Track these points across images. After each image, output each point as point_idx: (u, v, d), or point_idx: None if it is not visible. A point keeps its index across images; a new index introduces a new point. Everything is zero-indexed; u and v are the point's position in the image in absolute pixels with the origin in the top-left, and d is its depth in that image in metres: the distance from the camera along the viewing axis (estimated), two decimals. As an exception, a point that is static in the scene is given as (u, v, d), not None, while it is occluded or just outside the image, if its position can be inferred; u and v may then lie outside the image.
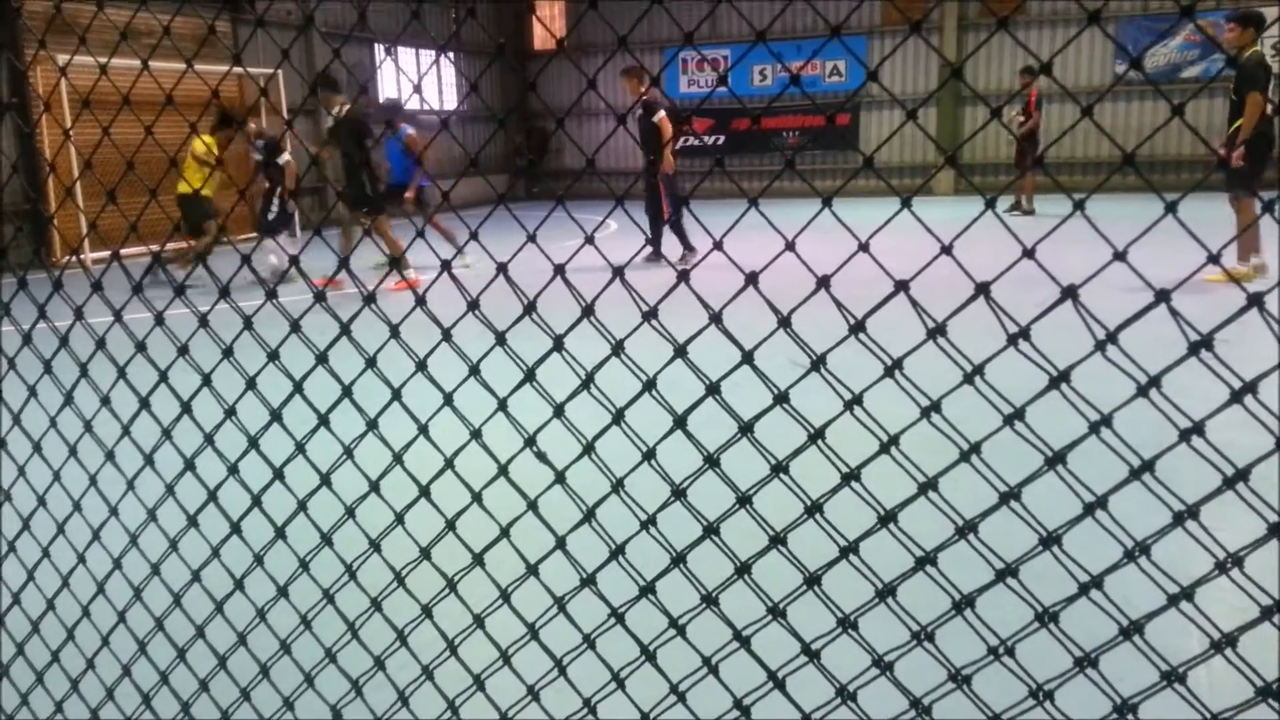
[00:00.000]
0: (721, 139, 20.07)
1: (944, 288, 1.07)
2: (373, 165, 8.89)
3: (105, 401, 1.65)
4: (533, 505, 1.33)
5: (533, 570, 1.37)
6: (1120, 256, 0.93)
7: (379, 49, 17.72)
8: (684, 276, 1.10)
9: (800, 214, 0.97)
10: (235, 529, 1.59)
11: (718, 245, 1.07)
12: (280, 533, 1.55)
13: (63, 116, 10.51)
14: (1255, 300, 0.88)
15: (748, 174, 19.78)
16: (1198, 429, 0.93)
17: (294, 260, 1.40)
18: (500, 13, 21.27)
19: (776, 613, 1.21)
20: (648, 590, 1.28)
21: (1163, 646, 1.04)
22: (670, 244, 10.36)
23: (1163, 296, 0.90)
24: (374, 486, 1.44)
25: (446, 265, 1.28)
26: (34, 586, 1.90)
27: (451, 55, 19.46)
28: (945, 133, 17.93)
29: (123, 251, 1.58)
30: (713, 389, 1.13)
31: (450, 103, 19.37)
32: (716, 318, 1.11)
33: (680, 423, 1.18)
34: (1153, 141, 16.57)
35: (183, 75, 1.51)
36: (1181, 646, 1.06)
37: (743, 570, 1.21)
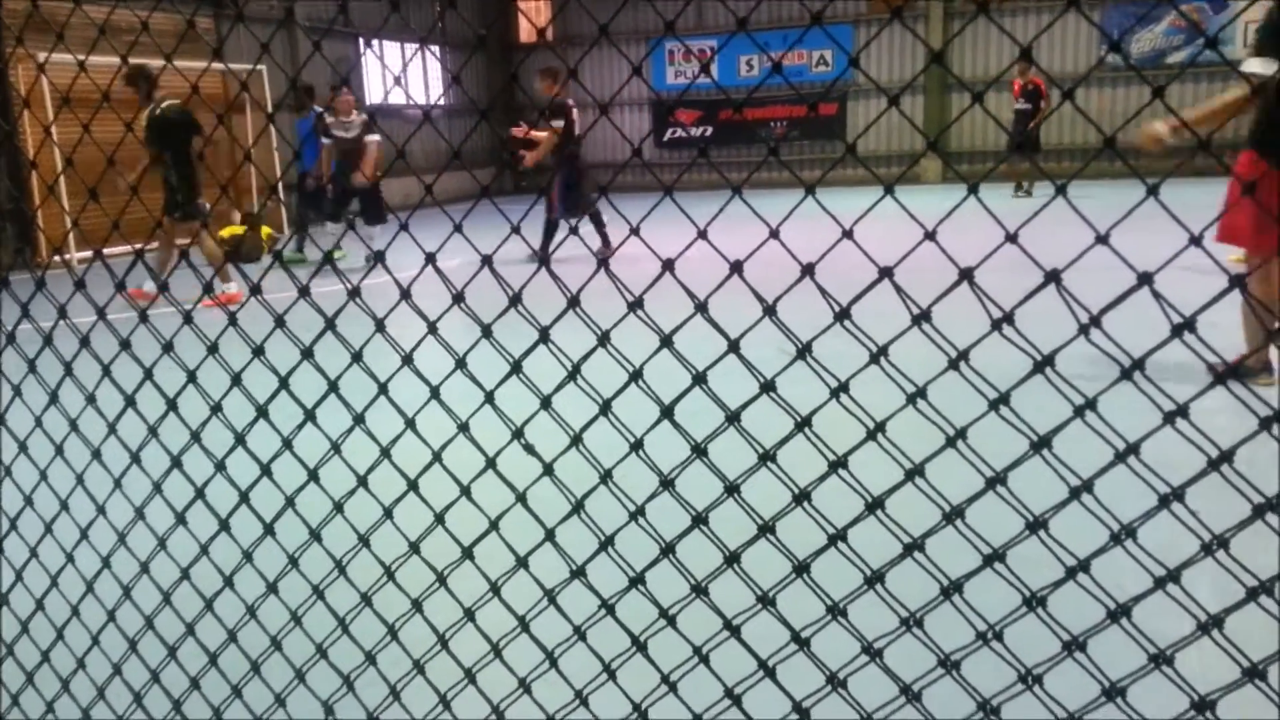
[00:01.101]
0: (709, 130, 20.05)
1: (933, 275, 1.06)
2: (191, 169, 8.07)
3: (90, 400, 1.64)
4: (521, 498, 1.33)
5: (522, 563, 1.37)
6: (1103, 240, 0.93)
7: (362, 43, 17.63)
8: (668, 266, 1.10)
9: (787, 204, 0.97)
10: (224, 526, 1.59)
11: (702, 234, 1.07)
12: (269, 529, 1.55)
13: (44, 115, 10.44)
14: (1237, 281, 0.88)
15: (735, 165, 19.76)
16: (1181, 411, 0.93)
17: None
18: (485, 4, 21.17)
19: (766, 601, 1.21)
20: (637, 581, 1.28)
21: (1152, 630, 1.04)
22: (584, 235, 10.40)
23: (1145, 280, 0.90)
24: (361, 481, 1.44)
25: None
26: (22, 587, 1.89)
27: (435, 49, 19.37)
28: (933, 120, 17.95)
29: (106, 250, 1.56)
30: (699, 378, 1.13)
31: (435, 96, 19.29)
32: (702, 307, 1.10)
33: (668, 412, 1.18)
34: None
35: (161, 70, 1.51)
36: (1171, 630, 1.06)
37: (732, 559, 1.22)
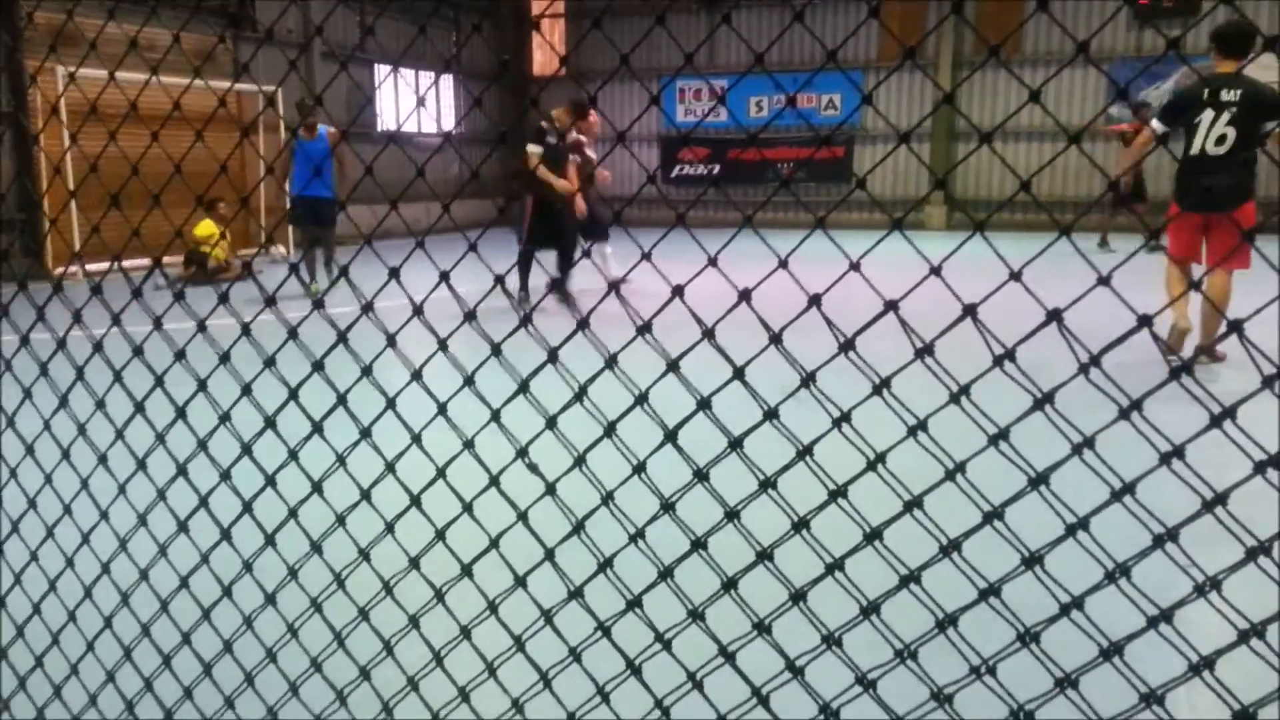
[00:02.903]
0: (716, 168, 20.20)
1: (936, 318, 1.09)
2: None
3: (100, 405, 1.65)
4: (523, 516, 1.34)
5: (520, 582, 1.38)
6: (1104, 281, 0.95)
7: (379, 69, 17.82)
8: (678, 291, 1.12)
9: (791, 245, 1.00)
10: (225, 536, 1.60)
11: (712, 261, 1.09)
12: (270, 540, 1.56)
13: (59, 127, 10.51)
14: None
15: (742, 204, 19.90)
16: (1178, 452, 0.95)
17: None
18: (500, 38, 21.40)
19: (761, 628, 1.22)
20: (635, 604, 1.29)
21: (1147, 667, 1.05)
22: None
23: (1144, 321, 0.93)
24: (365, 495, 1.45)
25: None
26: (20, 591, 1.89)
27: (451, 77, 19.58)
28: (939, 167, 18.09)
29: (116, 260, 1.59)
30: (704, 404, 1.15)
31: (448, 124, 19.46)
32: (710, 333, 1.13)
33: (671, 436, 1.19)
34: (1157, 182, 16.54)
35: (186, 88, 1.54)
36: (1165, 667, 1.07)
37: (729, 586, 1.23)
